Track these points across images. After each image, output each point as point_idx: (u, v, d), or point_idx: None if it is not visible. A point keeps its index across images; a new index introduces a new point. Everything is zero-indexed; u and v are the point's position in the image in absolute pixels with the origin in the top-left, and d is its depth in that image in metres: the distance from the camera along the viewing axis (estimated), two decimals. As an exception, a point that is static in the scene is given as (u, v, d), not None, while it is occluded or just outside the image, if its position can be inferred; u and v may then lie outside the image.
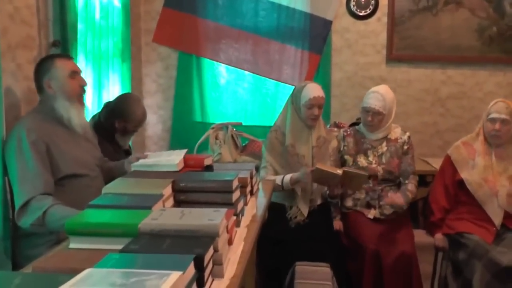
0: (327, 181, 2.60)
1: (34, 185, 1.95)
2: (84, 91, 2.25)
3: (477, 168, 2.71)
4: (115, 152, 2.75)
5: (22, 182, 1.95)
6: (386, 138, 2.85)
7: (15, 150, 1.98)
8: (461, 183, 2.76)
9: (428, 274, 2.88)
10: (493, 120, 2.66)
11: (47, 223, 1.90)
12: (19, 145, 1.98)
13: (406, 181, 2.82)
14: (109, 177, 2.28)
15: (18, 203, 1.94)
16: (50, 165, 2.03)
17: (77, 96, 2.19)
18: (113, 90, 3.43)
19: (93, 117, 2.86)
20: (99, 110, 2.89)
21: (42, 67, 2.15)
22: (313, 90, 2.71)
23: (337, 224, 2.82)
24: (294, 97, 2.78)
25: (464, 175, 2.74)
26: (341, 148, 2.89)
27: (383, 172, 2.78)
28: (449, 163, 2.83)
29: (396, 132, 2.88)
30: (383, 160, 2.81)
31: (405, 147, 2.84)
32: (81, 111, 2.22)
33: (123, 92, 3.40)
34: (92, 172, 2.24)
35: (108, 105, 2.84)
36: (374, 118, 2.75)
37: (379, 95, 2.74)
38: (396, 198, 2.67)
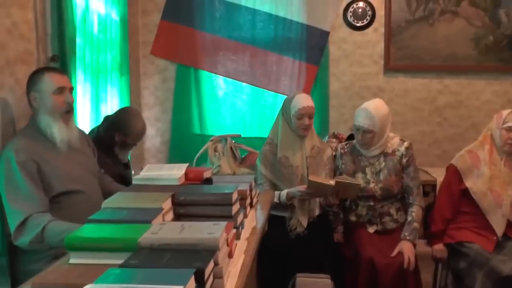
0: (322, 192, 2.60)
1: (29, 204, 1.91)
2: (70, 108, 2.15)
3: (482, 178, 2.68)
4: (114, 165, 2.75)
5: (15, 203, 1.91)
6: (383, 153, 2.75)
7: (4, 172, 1.94)
8: (464, 192, 2.74)
9: (429, 284, 2.87)
10: (510, 129, 2.66)
11: (46, 238, 1.87)
12: (8, 167, 1.94)
13: (411, 198, 2.73)
14: (106, 191, 2.26)
15: (14, 223, 1.90)
16: (42, 183, 1.99)
17: (60, 113, 2.10)
18: (112, 103, 3.44)
19: (92, 130, 2.86)
20: (99, 123, 2.89)
21: (31, 80, 2.11)
22: (302, 100, 2.71)
23: (337, 235, 2.80)
24: (284, 109, 2.78)
25: (468, 184, 2.71)
26: (339, 166, 2.83)
27: (381, 192, 2.71)
28: (454, 172, 2.78)
29: (393, 143, 2.76)
30: (381, 177, 2.72)
31: (404, 160, 2.72)
32: (65, 128, 2.12)
33: (123, 106, 3.41)
34: (88, 187, 2.18)
35: (108, 118, 2.85)
36: (364, 136, 2.68)
37: (368, 113, 2.64)
38: (406, 249, 2.56)
